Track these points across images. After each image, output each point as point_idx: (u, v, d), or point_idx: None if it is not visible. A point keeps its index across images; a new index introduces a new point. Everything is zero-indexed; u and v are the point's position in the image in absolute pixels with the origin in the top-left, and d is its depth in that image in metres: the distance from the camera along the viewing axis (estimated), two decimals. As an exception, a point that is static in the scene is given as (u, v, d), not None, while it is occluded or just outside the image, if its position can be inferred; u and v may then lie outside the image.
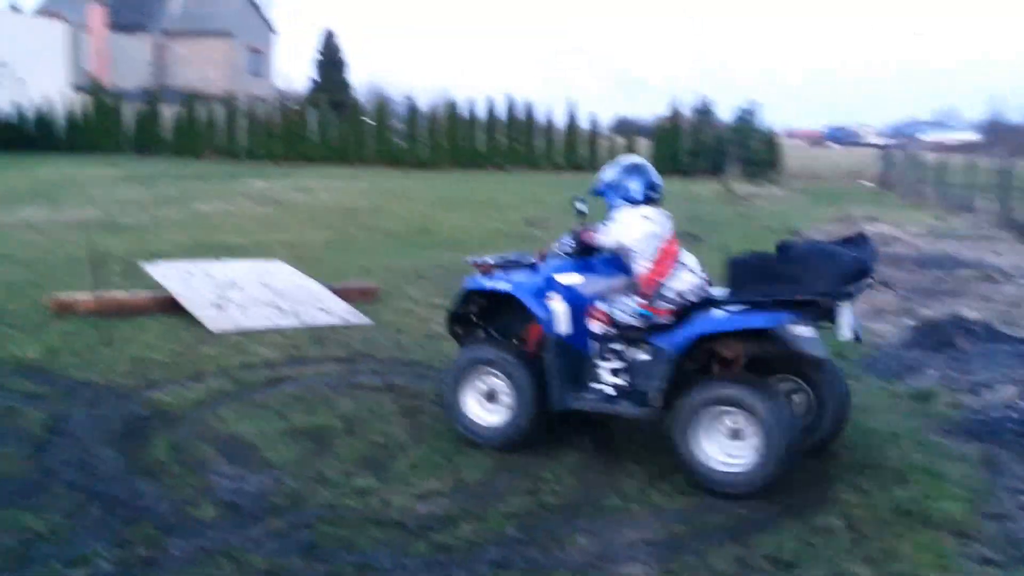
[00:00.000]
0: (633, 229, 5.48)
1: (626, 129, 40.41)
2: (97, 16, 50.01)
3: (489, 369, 5.66)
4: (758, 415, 4.95)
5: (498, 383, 5.66)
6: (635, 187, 5.63)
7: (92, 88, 38.91)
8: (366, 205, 19.76)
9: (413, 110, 37.10)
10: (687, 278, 5.45)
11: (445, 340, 8.16)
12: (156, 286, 9.30)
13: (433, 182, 27.53)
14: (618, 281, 5.70)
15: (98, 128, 37.47)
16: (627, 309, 5.42)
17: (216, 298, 8.93)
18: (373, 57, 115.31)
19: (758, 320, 5.03)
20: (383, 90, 44.32)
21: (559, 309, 5.54)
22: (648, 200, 5.64)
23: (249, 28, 58.78)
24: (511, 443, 5.59)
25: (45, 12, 51.74)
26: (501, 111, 36.20)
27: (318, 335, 8.26)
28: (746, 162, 33.53)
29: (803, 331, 4.95)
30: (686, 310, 5.37)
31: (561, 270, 5.66)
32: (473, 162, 35.56)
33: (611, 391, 5.50)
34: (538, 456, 5.56)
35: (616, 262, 5.76)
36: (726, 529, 4.67)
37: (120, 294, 9.11)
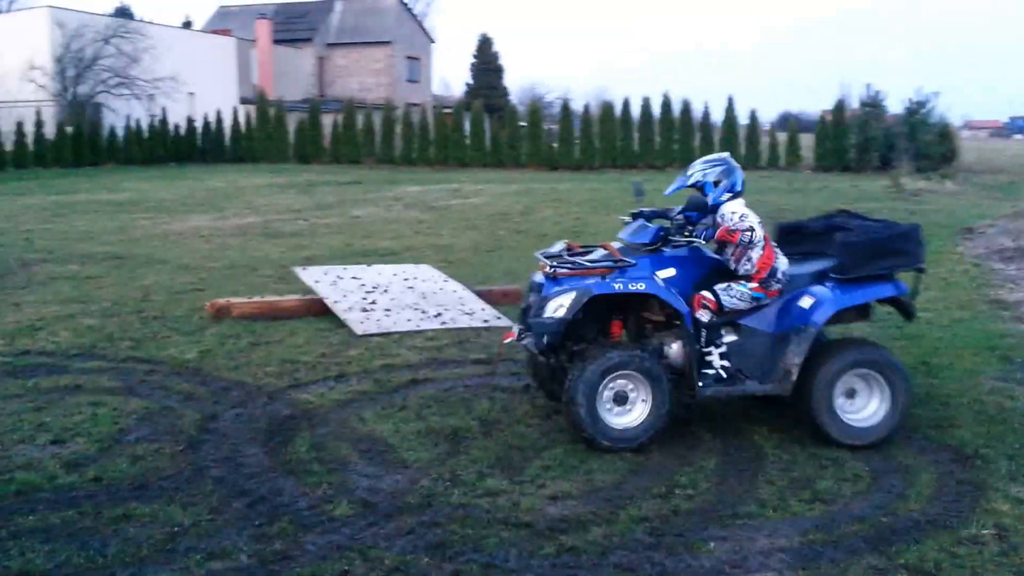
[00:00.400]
0: (750, 218, 5.69)
1: (790, 124, 39.19)
2: (264, 31, 52.09)
3: (621, 372, 5.58)
4: (892, 374, 5.65)
5: (627, 384, 5.60)
6: (738, 180, 5.85)
7: (258, 100, 40.51)
8: (518, 208, 19.87)
9: (567, 111, 37.12)
10: (783, 259, 5.77)
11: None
12: (308, 290, 9.59)
13: (586, 183, 27.45)
14: (704, 270, 5.84)
15: (263, 138, 39.04)
16: (738, 294, 5.64)
17: (363, 301, 9.14)
18: (529, 59, 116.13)
19: (890, 289, 5.77)
20: (538, 92, 44.54)
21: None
22: (742, 192, 5.89)
23: (407, 37, 60.14)
24: (653, 436, 5.59)
25: (215, 29, 54.30)
26: (656, 109, 35.76)
27: (460, 337, 8.34)
28: (918, 156, 32.00)
29: None
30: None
31: (658, 266, 5.72)
32: (628, 162, 35.24)
33: (722, 374, 5.67)
34: (675, 461, 5.48)
35: (696, 253, 5.86)
36: (866, 538, 4.47)
37: (272, 298, 9.42)
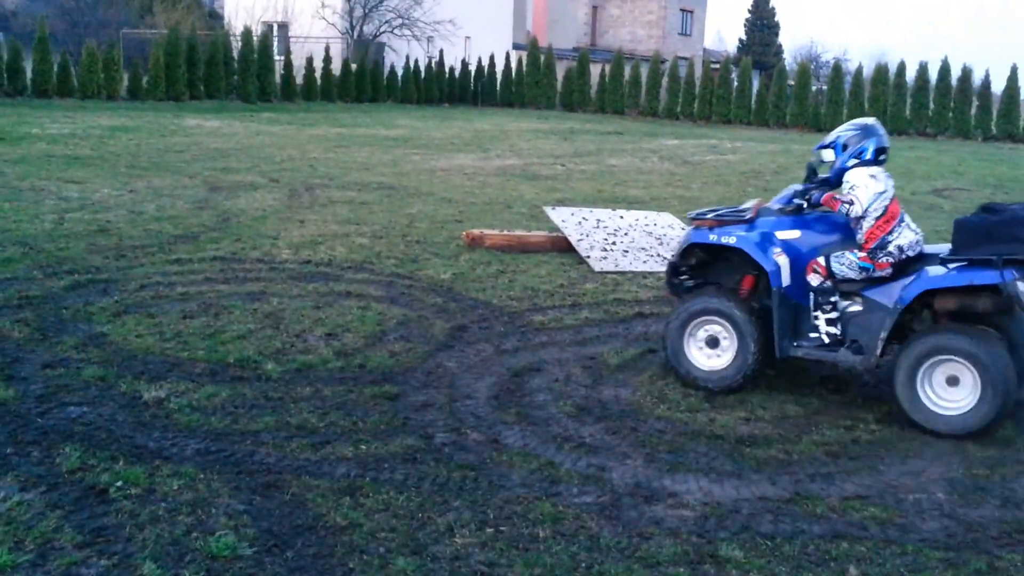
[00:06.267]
0: (865, 188, 5.71)
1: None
2: (541, -20, 53.36)
3: (712, 318, 5.98)
4: (981, 363, 5.21)
5: (719, 330, 5.98)
6: (868, 147, 5.85)
7: (530, 47, 41.77)
8: (772, 167, 19.98)
9: (838, 72, 36.09)
10: (907, 235, 5.71)
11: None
12: (554, 228, 10.41)
13: (848, 147, 26.87)
14: (833, 236, 5.92)
15: (532, 84, 40.29)
16: (847, 263, 5.70)
17: (603, 242, 9.86)
18: (809, 16, 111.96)
19: (989, 276, 5.24)
20: (812, 52, 43.33)
21: (783, 263, 5.83)
22: (876, 161, 5.85)
23: (681, -11, 59.84)
24: (730, 386, 5.92)
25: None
26: (932, 75, 34.18)
27: (689, 279, 8.91)
28: None
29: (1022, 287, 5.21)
30: (903, 265, 5.67)
31: (780, 226, 5.92)
32: (898, 128, 33.91)
33: (826, 340, 5.78)
34: (870, 401, 5.91)
35: (829, 219, 5.97)
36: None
37: (521, 233, 10.30)
